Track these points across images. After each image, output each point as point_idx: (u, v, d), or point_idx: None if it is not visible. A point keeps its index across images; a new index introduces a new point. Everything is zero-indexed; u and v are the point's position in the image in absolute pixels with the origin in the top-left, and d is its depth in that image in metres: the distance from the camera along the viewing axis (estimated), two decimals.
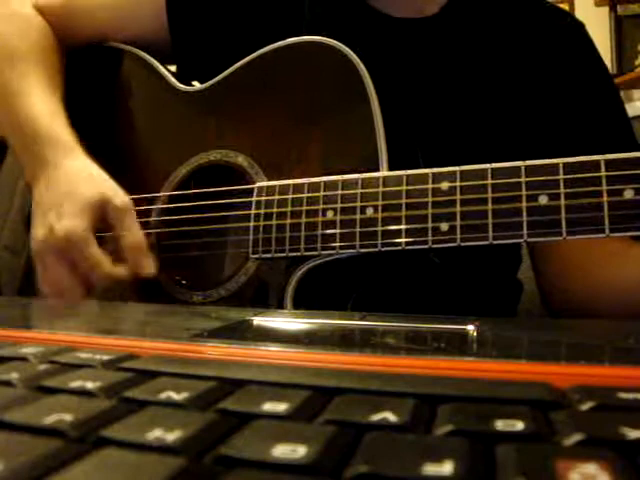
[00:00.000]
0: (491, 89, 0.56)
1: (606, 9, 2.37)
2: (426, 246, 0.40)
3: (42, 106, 0.56)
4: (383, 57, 0.53)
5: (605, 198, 0.35)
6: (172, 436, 0.12)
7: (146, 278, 0.49)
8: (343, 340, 0.27)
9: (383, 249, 0.41)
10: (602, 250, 0.52)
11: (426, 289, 0.52)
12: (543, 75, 0.57)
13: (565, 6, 2.29)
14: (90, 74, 0.66)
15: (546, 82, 0.56)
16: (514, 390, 0.15)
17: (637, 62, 2.29)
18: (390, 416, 0.13)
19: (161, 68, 0.60)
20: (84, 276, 0.48)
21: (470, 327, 0.26)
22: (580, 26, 0.60)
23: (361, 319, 0.30)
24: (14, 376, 0.17)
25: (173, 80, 0.58)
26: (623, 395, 0.14)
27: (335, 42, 0.47)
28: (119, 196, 0.50)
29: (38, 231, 0.50)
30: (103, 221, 0.49)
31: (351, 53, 0.47)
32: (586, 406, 0.14)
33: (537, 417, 0.13)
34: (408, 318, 0.29)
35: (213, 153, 0.53)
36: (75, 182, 0.50)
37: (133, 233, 0.49)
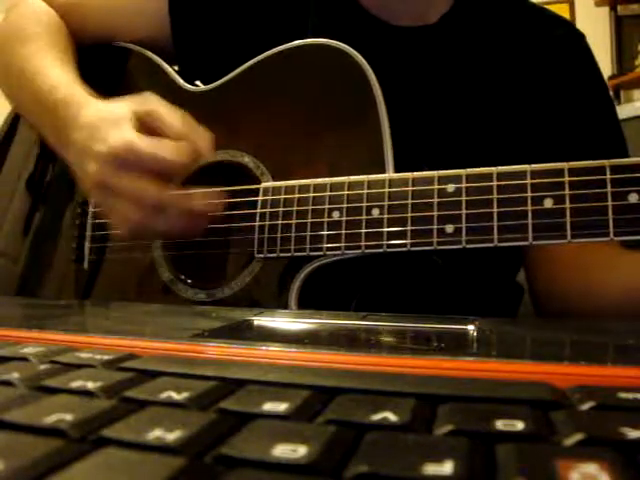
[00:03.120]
0: (492, 96, 0.56)
1: (606, 9, 2.37)
2: (431, 247, 0.40)
3: (59, 77, 0.55)
4: (385, 65, 0.53)
5: (610, 202, 0.36)
6: (172, 436, 0.12)
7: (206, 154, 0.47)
8: (343, 340, 0.27)
9: (388, 250, 0.42)
10: (596, 255, 0.52)
11: (428, 291, 0.52)
12: (542, 83, 0.57)
13: (565, 6, 2.29)
14: (96, 73, 0.66)
15: (544, 90, 0.57)
16: (514, 390, 0.15)
17: (637, 62, 2.29)
18: (390, 416, 0.13)
19: (168, 68, 0.60)
20: (155, 177, 0.45)
21: (470, 327, 0.26)
22: (580, 36, 0.60)
23: (362, 319, 0.30)
24: (15, 376, 0.17)
25: (180, 80, 0.59)
26: (623, 395, 0.14)
27: (342, 45, 0.47)
28: (146, 101, 0.49)
29: (88, 168, 0.47)
30: (145, 132, 0.47)
31: (358, 56, 0.47)
32: (586, 406, 0.14)
33: (537, 417, 0.13)
34: (408, 318, 0.29)
35: (219, 153, 0.53)
36: (102, 114, 0.49)
37: (173, 122, 0.47)
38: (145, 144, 0.45)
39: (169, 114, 0.48)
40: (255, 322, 0.30)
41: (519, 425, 0.12)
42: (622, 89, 2.31)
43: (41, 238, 0.62)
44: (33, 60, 0.58)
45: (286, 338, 0.28)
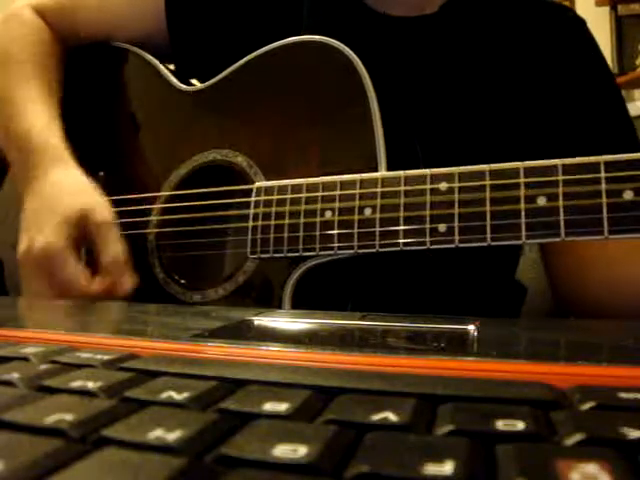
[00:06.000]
0: (491, 86, 0.55)
1: (606, 9, 2.36)
2: (424, 247, 0.40)
3: (36, 116, 0.56)
4: (382, 56, 0.53)
5: (604, 199, 0.35)
6: (173, 436, 0.12)
7: (121, 296, 0.49)
8: (343, 340, 0.27)
9: (381, 250, 0.41)
10: (618, 244, 0.51)
11: (426, 292, 0.51)
12: (544, 72, 0.56)
13: (566, 6, 2.27)
14: (90, 73, 0.66)
15: (546, 79, 0.56)
16: (514, 390, 0.15)
17: (638, 62, 2.29)
18: (390, 416, 0.13)
19: (161, 67, 0.60)
20: (63, 290, 0.48)
21: (470, 327, 0.26)
22: (581, 22, 0.60)
23: (361, 319, 0.30)
24: (15, 376, 0.17)
25: (173, 79, 0.58)
26: (623, 395, 0.14)
27: (334, 41, 0.47)
28: (100, 211, 0.50)
29: (21, 244, 0.50)
30: (85, 235, 0.50)
31: (350, 52, 0.47)
32: (586, 406, 0.14)
33: (537, 417, 0.13)
34: (408, 318, 0.29)
35: (212, 153, 0.53)
36: (58, 195, 0.51)
37: (111, 249, 0.49)
38: (64, 269, 0.48)
39: (114, 238, 0.50)
40: (255, 322, 0.30)
41: (519, 425, 0.12)
42: (622, 89, 2.31)
43: None
44: (14, 92, 0.58)
45: (286, 338, 0.28)
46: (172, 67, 0.63)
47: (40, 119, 0.56)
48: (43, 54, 0.62)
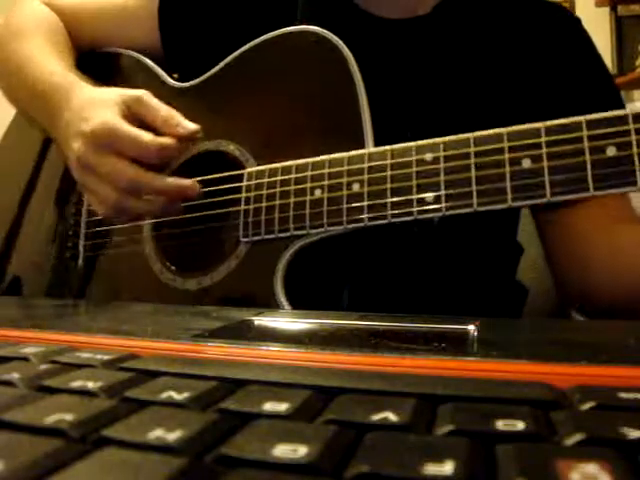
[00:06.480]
0: (486, 86, 0.55)
1: (606, 9, 2.36)
2: (411, 217, 0.41)
3: (54, 66, 0.57)
4: (376, 58, 0.53)
5: (588, 157, 0.36)
6: (173, 436, 0.12)
7: (193, 138, 0.49)
8: (343, 340, 0.27)
9: (369, 224, 0.42)
10: (622, 233, 0.51)
11: (427, 293, 0.51)
12: (538, 70, 0.56)
13: (565, 7, 2.28)
14: (87, 75, 0.66)
15: (541, 78, 0.56)
16: (514, 390, 0.15)
17: (637, 62, 2.29)
18: (391, 416, 0.13)
19: (154, 66, 0.61)
20: (133, 154, 0.47)
21: (470, 327, 0.26)
22: (576, 21, 0.59)
23: (361, 319, 0.30)
24: (15, 376, 0.17)
25: (166, 77, 0.60)
26: (623, 395, 0.14)
27: (319, 29, 0.48)
28: (134, 91, 0.50)
29: (73, 146, 0.49)
30: (132, 115, 0.49)
31: (335, 38, 0.47)
32: (586, 406, 0.14)
33: (537, 417, 0.13)
34: (408, 318, 0.29)
35: (206, 143, 0.53)
36: (92, 96, 0.51)
37: (160, 109, 0.49)
38: (126, 128, 0.47)
39: (157, 102, 0.49)
40: (255, 322, 0.30)
41: (519, 425, 0.12)
42: (622, 90, 2.31)
43: (63, 248, 0.62)
44: (31, 55, 0.59)
45: (286, 338, 0.28)
46: (176, 76, 0.64)
47: (57, 67, 0.57)
48: (55, 31, 0.63)
